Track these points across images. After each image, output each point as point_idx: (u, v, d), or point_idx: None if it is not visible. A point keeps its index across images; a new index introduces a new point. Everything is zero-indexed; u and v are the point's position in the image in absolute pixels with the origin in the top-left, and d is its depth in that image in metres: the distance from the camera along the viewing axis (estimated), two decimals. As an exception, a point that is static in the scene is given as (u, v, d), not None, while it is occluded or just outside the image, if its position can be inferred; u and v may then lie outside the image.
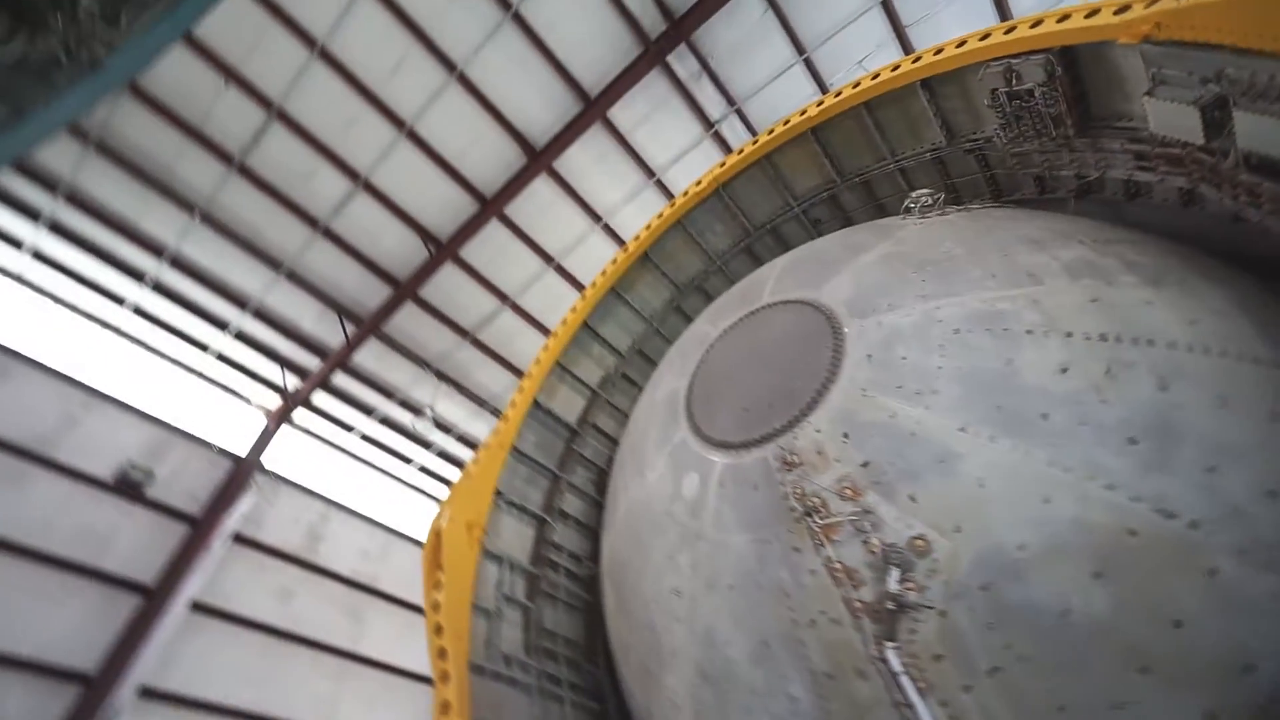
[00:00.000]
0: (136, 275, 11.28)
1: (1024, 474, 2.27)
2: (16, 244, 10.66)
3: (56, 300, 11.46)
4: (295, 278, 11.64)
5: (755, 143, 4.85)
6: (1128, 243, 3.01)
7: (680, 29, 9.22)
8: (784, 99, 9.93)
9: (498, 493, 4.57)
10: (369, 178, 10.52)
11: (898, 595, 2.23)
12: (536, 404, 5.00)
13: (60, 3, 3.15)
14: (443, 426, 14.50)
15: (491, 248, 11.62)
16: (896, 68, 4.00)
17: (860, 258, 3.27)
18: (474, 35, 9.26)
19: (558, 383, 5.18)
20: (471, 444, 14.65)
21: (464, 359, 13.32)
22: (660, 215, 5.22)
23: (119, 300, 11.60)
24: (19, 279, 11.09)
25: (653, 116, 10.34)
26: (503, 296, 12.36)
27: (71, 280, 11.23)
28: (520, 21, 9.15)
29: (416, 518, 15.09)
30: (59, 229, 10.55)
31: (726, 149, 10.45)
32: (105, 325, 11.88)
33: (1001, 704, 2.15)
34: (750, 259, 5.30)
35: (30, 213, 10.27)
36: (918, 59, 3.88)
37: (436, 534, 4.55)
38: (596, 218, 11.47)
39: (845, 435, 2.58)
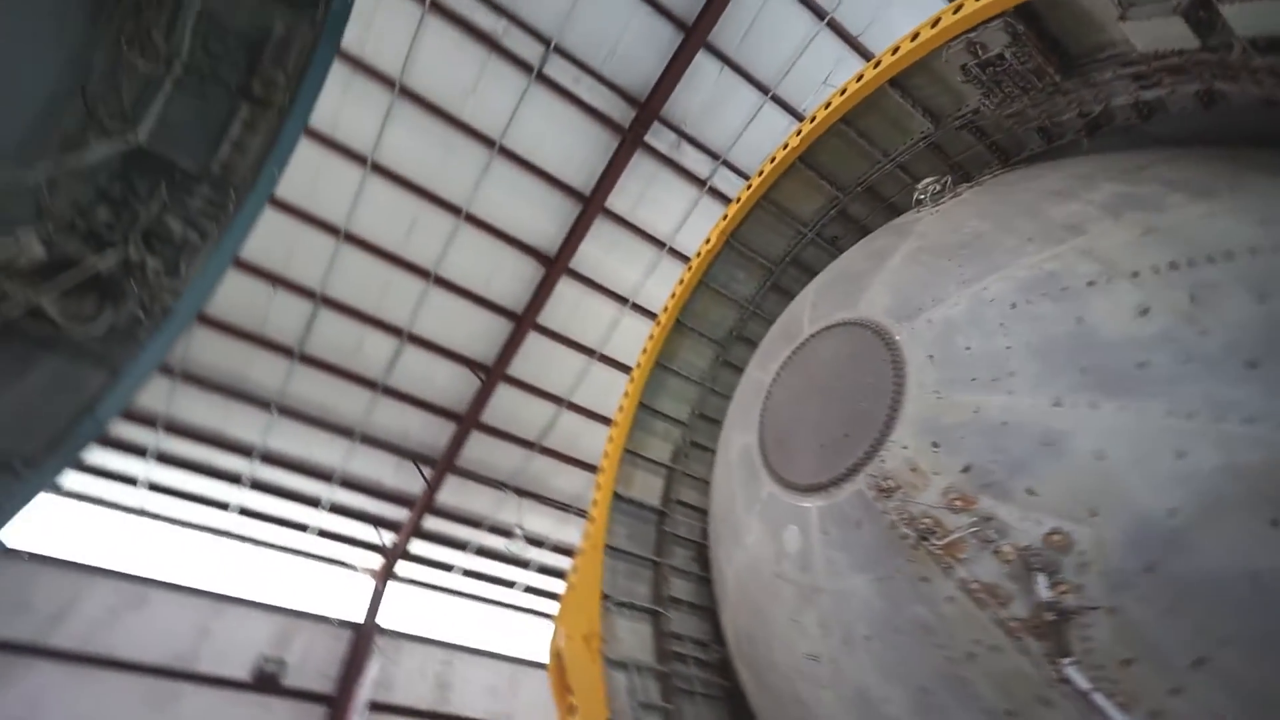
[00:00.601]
0: (234, 479, 12.21)
1: (1145, 433, 2.06)
2: (132, 481, 11.80)
3: (172, 521, 12.46)
4: (368, 440, 12.32)
5: (749, 187, 4.97)
6: (1161, 163, 2.86)
7: (648, 110, 9.79)
8: (765, 137, 10.23)
9: (604, 596, 4.48)
10: (411, 330, 11.27)
11: (1054, 602, 2.00)
12: (617, 496, 4.98)
13: (132, 271, 3.66)
14: (535, 541, 14.52)
15: (535, 358, 12.05)
16: (860, 78, 4.09)
17: (888, 262, 3.21)
18: (470, 176, 10.09)
19: (631, 469, 5.16)
20: (567, 551, 14.55)
21: (537, 470, 13.51)
22: (681, 281, 5.34)
23: (224, 506, 12.52)
24: (140, 512, 12.18)
25: (648, 193, 10.81)
26: (558, 400, 12.65)
27: (181, 500, 12.25)
28: (506, 153, 9.95)
29: (536, 641, 14.83)
30: (164, 458, 11.66)
31: (725, 199, 10.74)
32: (217, 532, 12.76)
33: (1223, 698, 1.85)
34: (780, 295, 5.28)
35: (138, 450, 11.44)
36: (879, 63, 3.96)
37: (557, 655, 4.46)
38: (624, 300, 11.80)
39: (934, 445, 2.44)
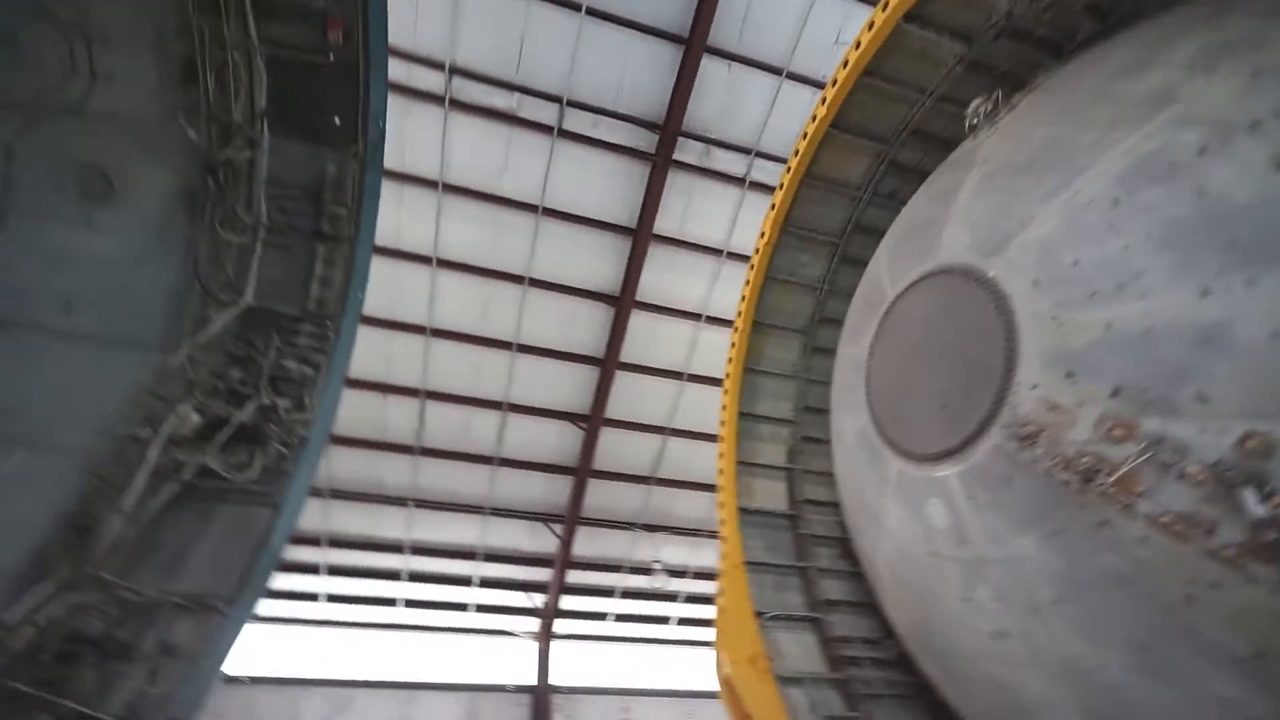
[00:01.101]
0: (394, 575, 13.23)
1: (1325, 296, 1.76)
2: (313, 596, 13.09)
3: (355, 625, 13.64)
4: (498, 511, 12.95)
5: (789, 170, 4.86)
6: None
7: (669, 130, 9.90)
8: (792, 116, 9.99)
9: (758, 614, 4.37)
10: (509, 401, 11.85)
11: (1272, 516, 1.72)
12: (743, 510, 4.88)
13: (268, 415, 4.13)
14: (676, 572, 14.47)
15: (627, 395, 12.24)
16: (872, 25, 3.93)
17: (957, 200, 3.00)
18: (524, 244, 10.61)
19: (750, 480, 5.05)
20: (709, 575, 14.37)
21: (658, 502, 13.56)
22: (747, 282, 5.26)
23: (391, 601, 13.55)
24: (326, 622, 13.46)
25: (691, 207, 10.83)
26: (659, 430, 12.71)
27: (357, 604, 13.41)
28: (550, 212, 10.39)
29: (705, 671, 14.63)
30: (333, 570, 12.88)
31: (769, 189, 10.53)
32: (392, 627, 13.80)
33: None
34: (852, 266, 5.06)
35: (311, 569, 12.72)
36: (886, 4, 3.79)
37: (726, 682, 4.37)
38: (696, 316, 11.78)
39: (1069, 375, 2.20)
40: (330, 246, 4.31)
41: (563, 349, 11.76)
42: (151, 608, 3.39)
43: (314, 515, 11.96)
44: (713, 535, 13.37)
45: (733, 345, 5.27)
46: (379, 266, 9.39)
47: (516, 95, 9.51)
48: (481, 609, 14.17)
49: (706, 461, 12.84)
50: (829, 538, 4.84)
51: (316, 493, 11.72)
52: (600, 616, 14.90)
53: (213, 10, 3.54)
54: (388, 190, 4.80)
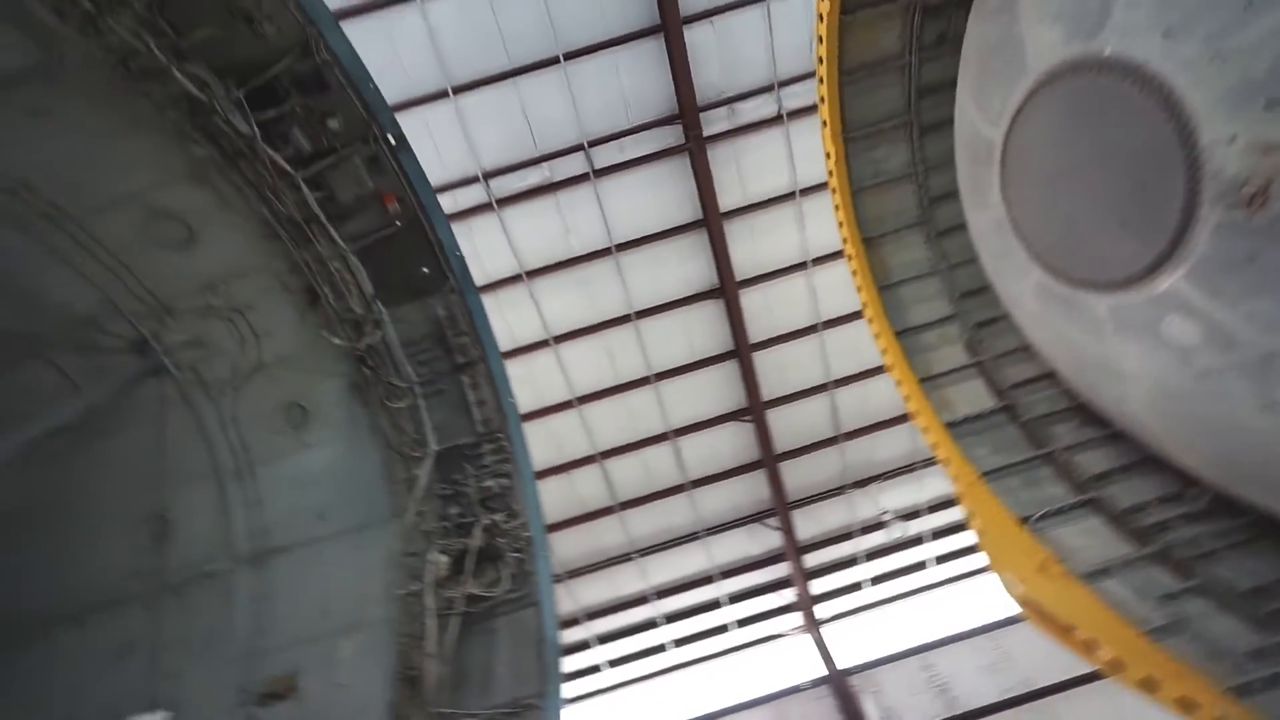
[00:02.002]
0: (651, 624, 13.89)
1: None
2: (595, 669, 14.15)
3: (641, 679, 14.46)
4: (712, 530, 13.14)
5: (821, 81, 4.58)
6: None
7: (687, 114, 9.80)
8: (794, 30, 9.45)
9: (1023, 520, 3.96)
10: (671, 428, 12.12)
11: None
12: (950, 425, 4.51)
13: (493, 532, 4.61)
14: (910, 515, 13.61)
15: (776, 366, 11.96)
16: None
17: (1019, 5, 2.63)
18: (616, 287, 10.98)
19: (941, 392, 4.67)
20: (946, 504, 13.31)
21: (856, 455, 12.93)
22: (836, 208, 4.98)
23: (661, 648, 14.21)
24: (615, 686, 14.43)
25: (743, 169, 10.54)
26: (821, 387, 12.22)
27: (631, 661, 14.24)
28: (622, 246, 10.67)
29: (988, 600, 13.44)
30: (602, 639, 13.86)
31: (808, 109, 9.95)
32: (671, 670, 14.42)
33: None
34: (937, 132, 4.60)
35: (584, 646, 13.83)
36: None
37: (1026, 602, 3.99)
38: (802, 265, 11.31)
39: (1268, 104, 1.81)
40: (471, 372, 4.79)
41: (694, 359, 11.84)
42: (486, 725, 3.88)
43: (564, 599, 12.98)
44: (928, 464, 12.43)
45: (855, 274, 4.98)
46: (512, 369, 10.14)
47: (545, 165, 10.00)
48: (742, 623, 14.34)
49: (883, 396, 12.09)
50: (1059, 411, 4.30)
51: (557, 579, 12.73)
52: (856, 587, 14.39)
53: (305, 241, 4.18)
54: (487, 302, 5.28)
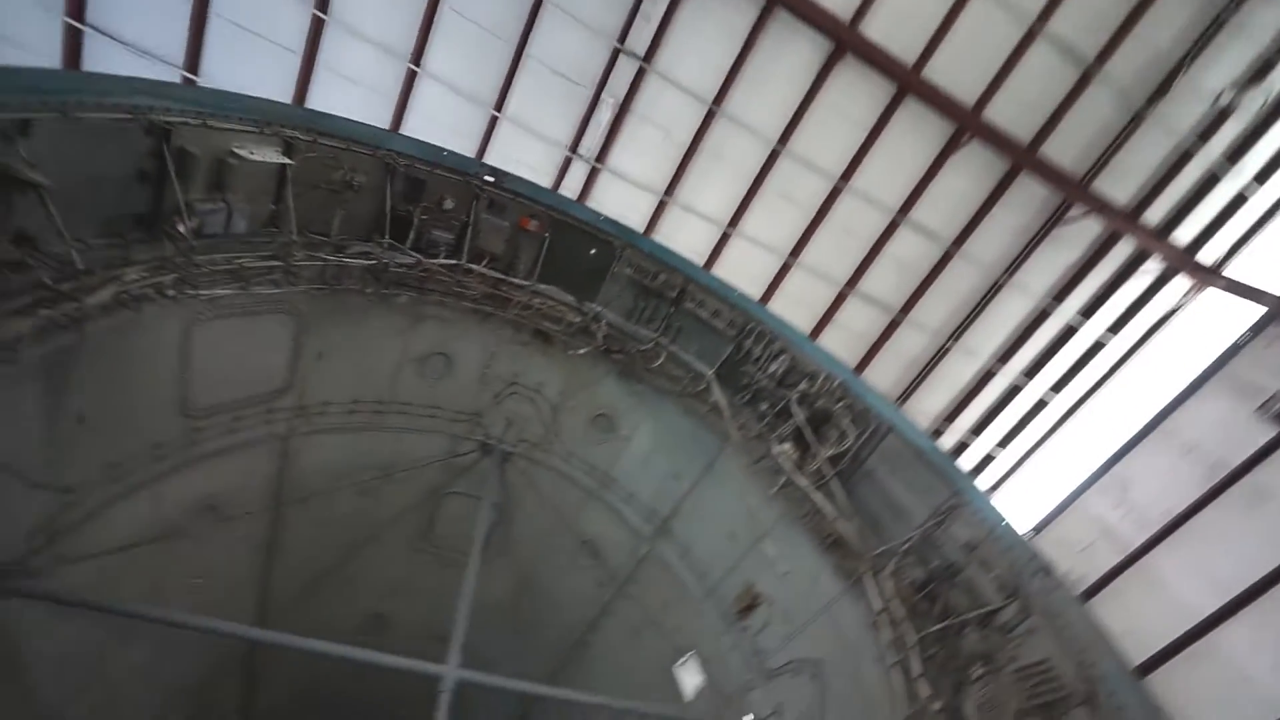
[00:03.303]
0: (1016, 390, 12.73)
1: None
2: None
3: (1055, 430, 13.41)
4: (1012, 265, 11.39)
5: None
6: None
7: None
8: None
9: None
10: (893, 210, 10.79)
11: None
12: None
13: (822, 416, 4.65)
14: (1260, 72, 9.87)
15: (950, 62, 9.78)
16: None
17: None
18: (742, 137, 10.16)
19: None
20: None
21: (1123, 69, 9.84)
22: None
23: (1042, 404, 12.94)
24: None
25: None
26: (1029, 36, 9.58)
27: (1029, 423, 13.27)
28: (719, 96, 9.78)
29: None
30: (977, 428, 13.23)
31: None
32: (1074, 409, 13.02)
33: None
34: None
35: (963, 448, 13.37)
36: None
37: None
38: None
39: None
40: (688, 297, 4.97)
41: (864, 131, 10.35)
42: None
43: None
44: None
45: None
46: (719, 273, 10.08)
47: (605, 96, 9.71)
48: (1116, 327, 12.27)
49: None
50: None
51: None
52: (1237, 203, 11.13)
53: (506, 302, 4.76)
54: (656, 240, 5.39)
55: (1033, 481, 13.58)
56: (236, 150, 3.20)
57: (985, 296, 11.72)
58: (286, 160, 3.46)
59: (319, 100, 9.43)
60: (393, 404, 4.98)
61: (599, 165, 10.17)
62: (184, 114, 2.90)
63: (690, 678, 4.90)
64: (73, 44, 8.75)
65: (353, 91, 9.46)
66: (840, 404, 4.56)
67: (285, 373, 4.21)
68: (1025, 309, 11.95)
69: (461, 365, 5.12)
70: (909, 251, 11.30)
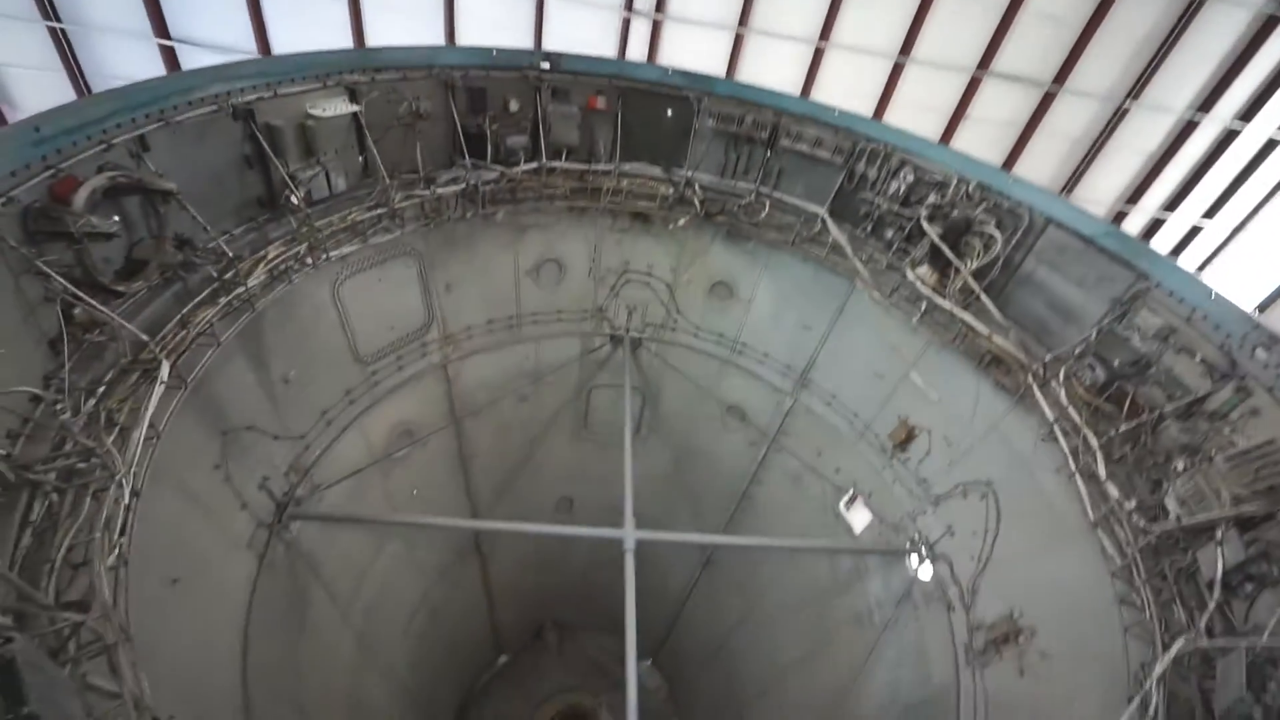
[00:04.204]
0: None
1: None
2: None
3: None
4: None
5: None
6: None
7: None
8: None
9: None
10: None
11: None
12: None
13: (959, 228, 4.14)
14: None
15: None
16: None
17: None
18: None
19: None
20: None
21: None
22: None
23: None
24: None
25: None
26: None
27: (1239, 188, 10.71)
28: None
29: None
30: (1170, 204, 10.96)
31: None
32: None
33: None
34: None
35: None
36: None
37: None
38: None
39: None
40: (783, 130, 4.49)
41: None
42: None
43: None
44: None
45: None
46: (818, 95, 8.95)
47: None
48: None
49: None
50: None
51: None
52: None
53: (598, 191, 4.67)
54: (739, 77, 4.82)
55: (1254, 252, 11.15)
56: (311, 111, 3.35)
57: (1174, 29, 9.12)
58: (355, 107, 3.56)
59: (378, 40, 9.47)
60: (523, 316, 5.30)
61: (660, 16, 9.19)
62: (255, 89, 3.07)
63: (855, 514, 5.03)
64: (170, 60, 9.54)
65: (402, 23, 9.34)
66: (981, 208, 3.98)
67: (423, 309, 4.63)
68: (1233, 33, 9.15)
69: (571, 266, 5.24)
70: (1055, 3, 9.03)
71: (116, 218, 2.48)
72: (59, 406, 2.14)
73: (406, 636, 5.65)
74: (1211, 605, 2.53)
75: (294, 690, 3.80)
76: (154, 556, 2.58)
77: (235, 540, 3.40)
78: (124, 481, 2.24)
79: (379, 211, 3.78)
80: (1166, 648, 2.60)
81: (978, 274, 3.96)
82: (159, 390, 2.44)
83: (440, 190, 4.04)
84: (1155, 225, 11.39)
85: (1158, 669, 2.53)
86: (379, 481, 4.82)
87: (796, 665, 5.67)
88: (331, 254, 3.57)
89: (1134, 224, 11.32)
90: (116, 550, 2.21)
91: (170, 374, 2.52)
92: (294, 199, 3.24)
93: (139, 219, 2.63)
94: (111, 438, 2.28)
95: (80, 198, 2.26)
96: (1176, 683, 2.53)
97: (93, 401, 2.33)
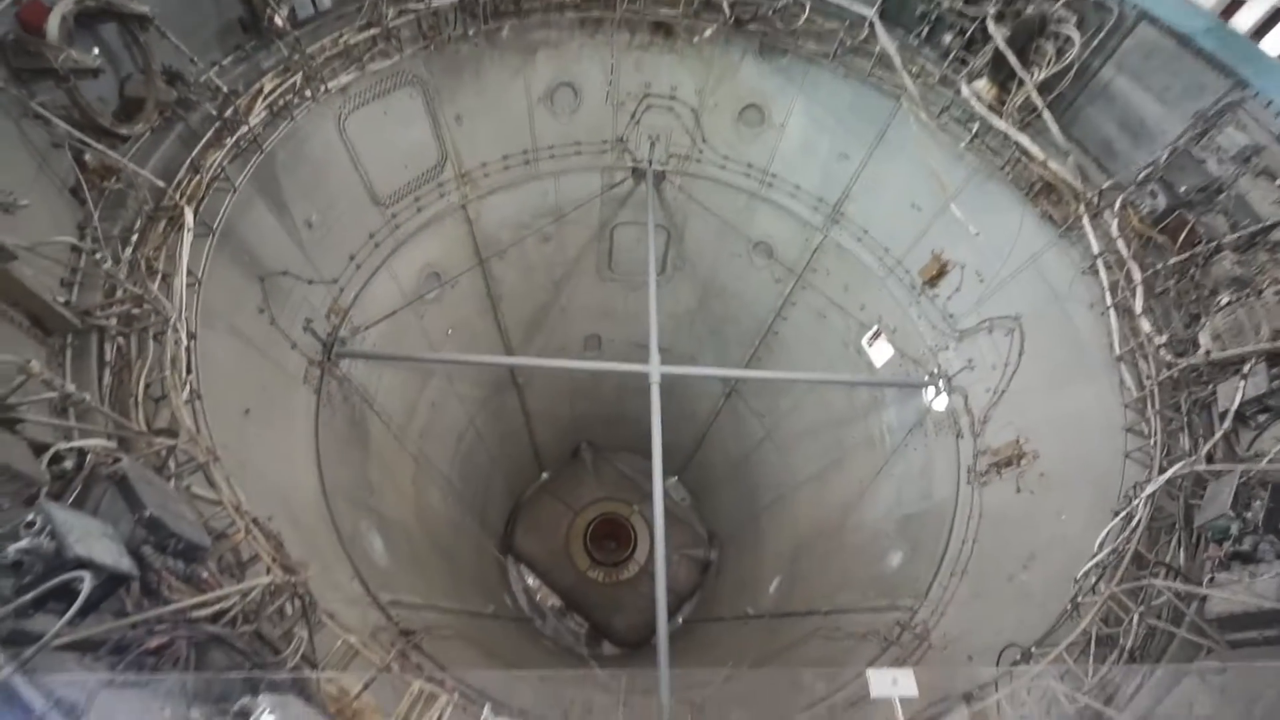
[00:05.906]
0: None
1: None
2: None
3: None
4: None
5: None
6: None
7: None
8: None
9: None
10: None
11: None
12: None
13: (1030, 29, 3.54)
14: None
15: None
16: None
17: None
18: None
19: None
20: None
21: None
22: None
23: None
24: None
25: None
26: None
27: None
28: None
29: None
30: None
31: None
32: None
33: None
34: None
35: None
36: None
37: None
38: None
39: None
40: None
41: None
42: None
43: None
44: None
45: None
46: None
47: None
48: None
49: None
50: None
51: None
52: None
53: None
54: None
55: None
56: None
57: None
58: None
59: None
60: (539, 150, 5.01)
61: None
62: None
63: (877, 349, 5.09)
64: None
65: None
66: (1061, 2, 3.39)
67: (435, 145, 4.40)
68: None
69: (587, 90, 4.78)
70: None
71: (96, 50, 2.32)
72: (98, 255, 2.21)
73: (457, 456, 6.29)
74: (1219, 432, 2.59)
75: (368, 500, 4.38)
76: (222, 391, 2.84)
77: (292, 377, 3.69)
78: (178, 325, 2.38)
79: (372, 32, 3.42)
80: (1164, 471, 2.72)
81: (1044, 87, 3.49)
82: (189, 238, 2.48)
83: (436, 2, 3.60)
84: (1271, 20, 9.57)
85: (1150, 488, 2.68)
86: (414, 321, 5.02)
87: (810, 481, 6.19)
88: (329, 84, 3.33)
89: (1250, 16, 9.53)
90: (188, 386, 2.43)
91: (195, 220, 2.54)
92: (277, 19, 2.95)
93: (121, 51, 2.46)
94: (155, 284, 2.38)
95: (53, 25, 2.09)
96: (1164, 500, 2.69)
97: (129, 250, 2.39)
